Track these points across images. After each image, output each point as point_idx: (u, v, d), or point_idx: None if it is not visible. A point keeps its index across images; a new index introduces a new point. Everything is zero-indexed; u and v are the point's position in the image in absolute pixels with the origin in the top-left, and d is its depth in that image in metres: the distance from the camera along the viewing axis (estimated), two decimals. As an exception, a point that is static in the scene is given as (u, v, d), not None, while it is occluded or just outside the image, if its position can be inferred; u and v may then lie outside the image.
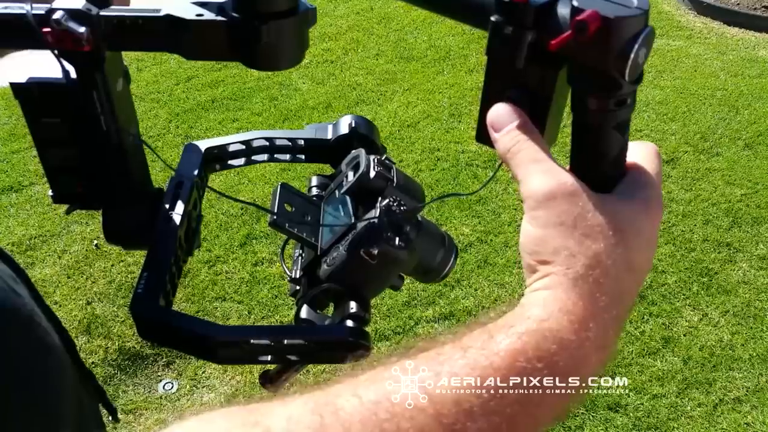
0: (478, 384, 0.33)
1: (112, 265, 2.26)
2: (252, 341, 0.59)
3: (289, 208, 0.68)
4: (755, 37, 3.55)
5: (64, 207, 0.67)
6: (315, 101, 3.07)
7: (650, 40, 0.37)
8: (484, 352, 0.34)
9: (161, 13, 0.54)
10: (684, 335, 2.01)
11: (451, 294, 2.14)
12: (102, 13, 0.53)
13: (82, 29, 0.52)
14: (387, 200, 0.60)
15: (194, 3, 0.54)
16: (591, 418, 1.78)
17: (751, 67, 3.30)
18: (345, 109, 3.00)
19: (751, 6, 3.70)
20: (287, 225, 0.65)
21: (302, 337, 0.60)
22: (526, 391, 0.33)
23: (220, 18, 0.53)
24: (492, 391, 0.33)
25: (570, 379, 0.35)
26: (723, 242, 2.33)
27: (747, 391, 1.86)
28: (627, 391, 1.85)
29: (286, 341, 0.59)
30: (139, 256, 2.30)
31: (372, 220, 0.59)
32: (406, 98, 3.08)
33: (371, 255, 0.57)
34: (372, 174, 0.62)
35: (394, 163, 0.68)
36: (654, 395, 1.85)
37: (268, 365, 0.63)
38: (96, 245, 2.33)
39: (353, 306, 0.61)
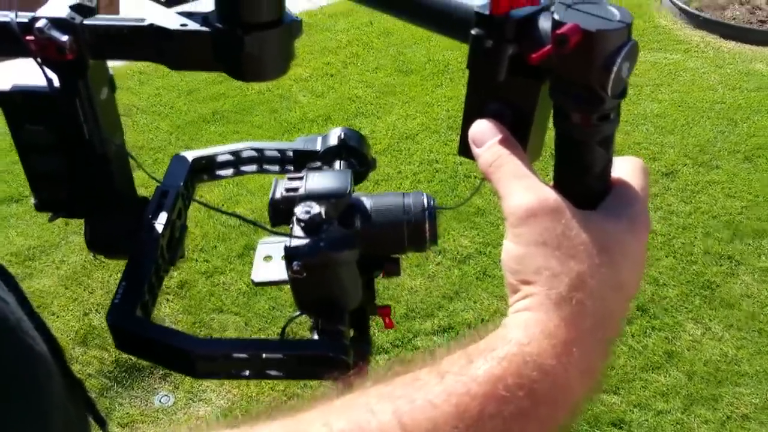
0: (455, 412, 0.31)
1: (110, 276, 2.24)
2: (231, 355, 0.58)
3: (268, 260, 0.67)
4: (751, 50, 3.57)
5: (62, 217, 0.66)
6: (315, 114, 3.08)
7: (634, 54, 0.36)
8: (462, 378, 0.33)
9: (145, 23, 0.54)
10: (687, 349, 1.99)
11: (450, 306, 2.12)
12: (86, 22, 0.54)
13: (65, 38, 0.52)
14: (296, 211, 0.58)
15: (179, 13, 0.54)
16: (594, 433, 1.76)
17: (748, 80, 3.31)
18: (344, 121, 3.01)
19: (747, 20, 3.73)
20: (265, 279, 0.66)
21: (282, 351, 0.59)
22: (504, 421, 0.32)
23: (204, 28, 0.53)
24: (469, 420, 0.31)
25: (552, 407, 0.33)
26: (724, 255, 2.31)
27: (755, 407, 1.83)
28: (631, 407, 1.83)
29: (264, 355, 0.58)
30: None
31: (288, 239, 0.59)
32: (405, 111, 3.08)
33: (297, 272, 0.56)
34: (279, 196, 0.61)
35: (317, 168, 0.68)
36: (658, 411, 1.82)
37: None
38: (94, 256, 2.32)
39: (326, 322, 0.60)
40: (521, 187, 0.37)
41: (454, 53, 3.52)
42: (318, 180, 0.63)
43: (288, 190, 0.62)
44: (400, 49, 3.59)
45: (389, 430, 0.31)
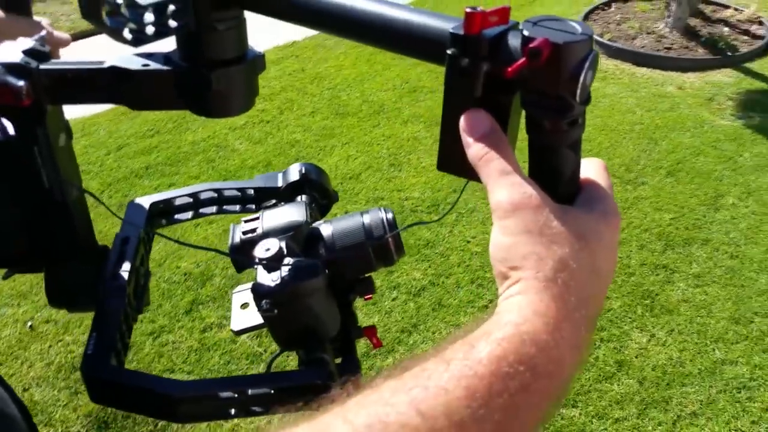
0: (466, 394, 0.33)
1: (50, 346, 2.13)
2: (215, 395, 0.57)
3: (245, 307, 0.67)
4: (661, 75, 3.83)
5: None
6: (254, 160, 3.07)
7: (596, 63, 0.39)
8: (467, 363, 0.35)
9: (105, 65, 0.53)
10: (636, 357, 2.07)
11: (409, 340, 2.13)
12: (42, 66, 0.52)
13: (21, 83, 0.51)
14: (256, 251, 0.59)
15: (137, 55, 0.53)
16: (559, 448, 1.79)
17: (662, 101, 3.55)
18: (285, 165, 3.00)
19: (654, 48, 4.01)
20: (245, 326, 0.66)
21: (268, 385, 0.58)
22: (511, 396, 0.34)
23: (166, 68, 0.52)
24: (480, 400, 0.33)
25: (549, 379, 0.36)
26: (659, 265, 2.44)
27: (701, 404, 1.92)
28: (590, 418, 1.88)
29: (250, 392, 0.57)
30: (78, 334, 2.18)
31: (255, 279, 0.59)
32: (346, 152, 3.12)
33: (268, 310, 0.56)
34: (237, 240, 0.62)
35: (273, 205, 0.68)
36: (616, 419, 1.88)
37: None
38: (30, 326, 2.21)
39: (307, 353, 0.60)
40: (507, 183, 0.40)
41: (388, 94, 3.61)
42: (274, 216, 0.63)
43: (245, 232, 0.62)
44: (335, 93, 3.65)
45: (409, 419, 0.32)
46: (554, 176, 0.43)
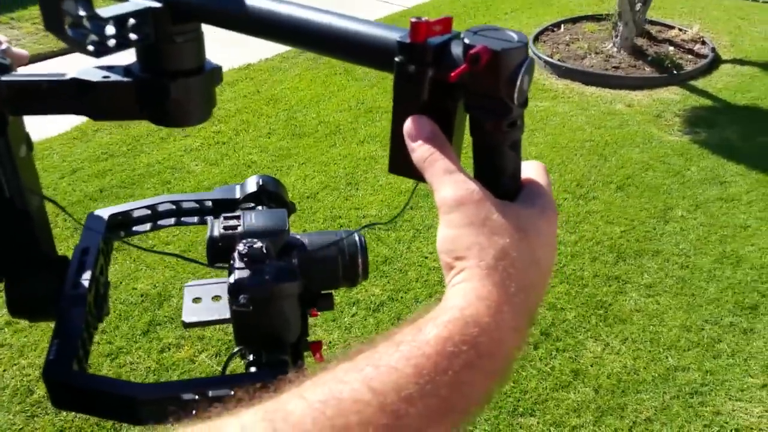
0: (414, 372, 0.36)
1: (5, 371, 2.07)
2: (176, 397, 0.58)
3: (198, 302, 0.69)
4: (610, 93, 3.96)
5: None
6: (210, 182, 3.05)
7: (531, 68, 0.43)
8: (415, 344, 0.37)
9: (67, 77, 0.55)
10: (591, 366, 2.11)
11: (368, 356, 2.13)
12: (3, 78, 0.54)
13: None
14: (239, 247, 0.61)
15: (99, 67, 0.55)
16: (518, 458, 1.81)
17: (612, 119, 3.67)
18: (242, 186, 2.99)
19: (603, 67, 4.15)
20: (196, 320, 0.68)
21: (229, 386, 0.59)
22: (455, 373, 0.36)
23: (127, 79, 0.54)
24: (427, 377, 0.36)
25: (492, 359, 0.38)
26: (612, 276, 2.50)
27: (655, 410, 1.97)
28: (548, 426, 1.90)
29: (211, 393, 0.58)
30: (34, 358, 2.13)
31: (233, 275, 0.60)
32: (303, 171, 3.13)
33: (242, 305, 0.58)
34: (216, 234, 0.64)
35: (253, 207, 0.71)
36: (573, 427, 1.91)
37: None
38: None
39: (269, 354, 0.62)
40: (451, 181, 0.43)
41: (344, 115, 3.65)
42: (256, 218, 0.65)
43: (226, 228, 0.64)
44: (291, 114, 3.66)
45: (361, 395, 0.34)
46: (496, 174, 0.46)
